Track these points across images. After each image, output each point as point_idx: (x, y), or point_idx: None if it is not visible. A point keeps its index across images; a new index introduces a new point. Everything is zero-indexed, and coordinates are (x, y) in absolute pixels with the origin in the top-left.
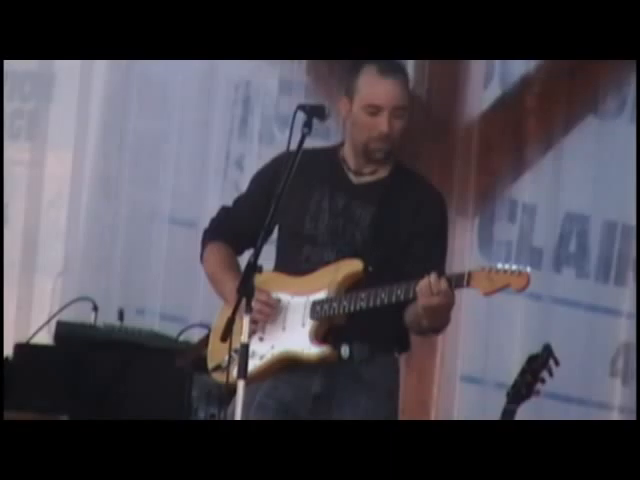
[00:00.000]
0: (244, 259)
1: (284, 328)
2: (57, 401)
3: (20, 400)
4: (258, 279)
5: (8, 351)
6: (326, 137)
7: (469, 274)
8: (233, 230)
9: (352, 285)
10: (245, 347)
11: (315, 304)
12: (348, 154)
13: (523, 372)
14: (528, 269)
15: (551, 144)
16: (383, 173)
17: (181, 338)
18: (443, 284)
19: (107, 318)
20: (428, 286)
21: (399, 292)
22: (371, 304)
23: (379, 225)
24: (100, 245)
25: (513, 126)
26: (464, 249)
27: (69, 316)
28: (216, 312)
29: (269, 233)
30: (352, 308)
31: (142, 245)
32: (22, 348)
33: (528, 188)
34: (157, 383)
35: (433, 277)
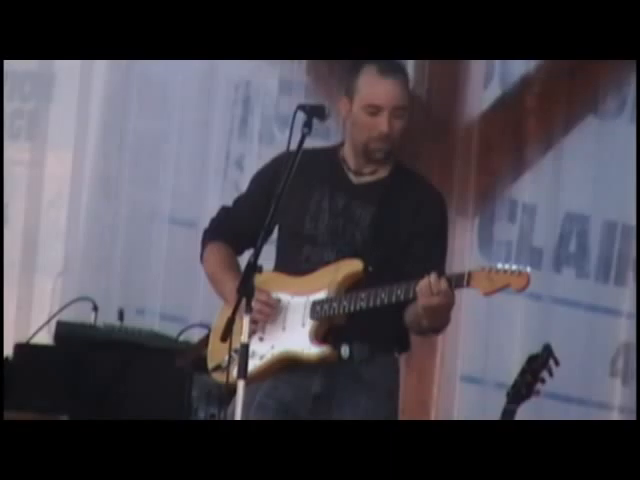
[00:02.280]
0: (244, 259)
1: (284, 328)
2: (57, 401)
3: (20, 400)
4: (258, 279)
5: (8, 351)
6: (326, 137)
7: (469, 274)
8: (233, 230)
9: (352, 285)
10: (245, 347)
11: (315, 304)
12: (348, 154)
13: (523, 372)
14: (528, 269)
15: (551, 144)
16: (383, 173)
17: (181, 338)
18: (443, 284)
19: (107, 318)
20: (428, 286)
21: (399, 292)
22: (371, 304)
23: (379, 225)
24: (100, 245)
25: (513, 126)
26: (464, 249)
27: (69, 316)
28: (216, 312)
29: (269, 233)
30: (352, 308)
31: (142, 245)
32: (22, 348)
33: (528, 188)
34: (157, 383)
35: (433, 277)
